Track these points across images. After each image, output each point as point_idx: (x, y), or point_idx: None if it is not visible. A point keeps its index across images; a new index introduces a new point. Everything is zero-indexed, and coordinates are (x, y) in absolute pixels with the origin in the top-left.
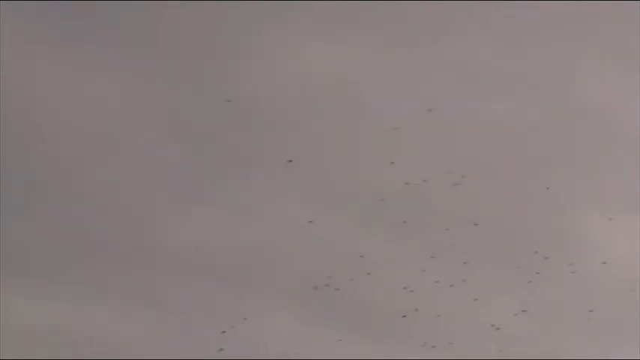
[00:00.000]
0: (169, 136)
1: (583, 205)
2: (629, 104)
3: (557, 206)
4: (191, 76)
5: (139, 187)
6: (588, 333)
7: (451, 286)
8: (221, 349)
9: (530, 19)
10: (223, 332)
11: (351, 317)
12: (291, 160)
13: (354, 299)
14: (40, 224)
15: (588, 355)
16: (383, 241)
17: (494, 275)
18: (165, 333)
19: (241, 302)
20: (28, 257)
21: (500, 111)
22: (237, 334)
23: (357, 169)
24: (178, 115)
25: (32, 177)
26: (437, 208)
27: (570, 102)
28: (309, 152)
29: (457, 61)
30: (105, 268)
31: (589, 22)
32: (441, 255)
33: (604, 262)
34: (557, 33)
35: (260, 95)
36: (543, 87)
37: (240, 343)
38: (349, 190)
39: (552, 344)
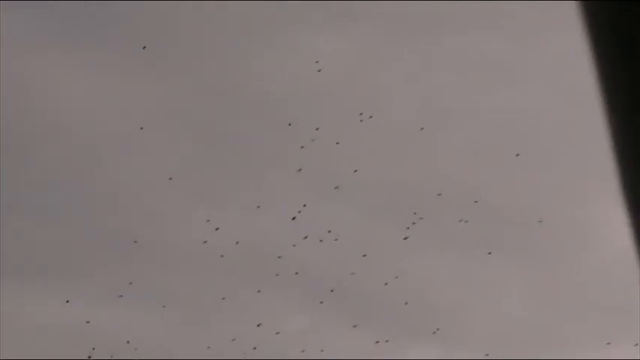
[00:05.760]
0: (177, 134)
1: (590, 195)
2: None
3: (563, 196)
4: (196, 74)
5: (149, 186)
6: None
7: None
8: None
9: (532, 9)
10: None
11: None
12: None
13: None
14: (51, 224)
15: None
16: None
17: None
18: (176, 331)
19: (255, 301)
20: (36, 257)
21: (505, 102)
22: (252, 333)
23: (365, 163)
24: (185, 113)
25: (41, 177)
26: (451, 202)
27: (578, 91)
28: (317, 147)
29: (460, 54)
30: (114, 268)
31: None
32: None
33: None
34: (559, 23)
35: (266, 91)
36: (549, 77)
37: (255, 342)
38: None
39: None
